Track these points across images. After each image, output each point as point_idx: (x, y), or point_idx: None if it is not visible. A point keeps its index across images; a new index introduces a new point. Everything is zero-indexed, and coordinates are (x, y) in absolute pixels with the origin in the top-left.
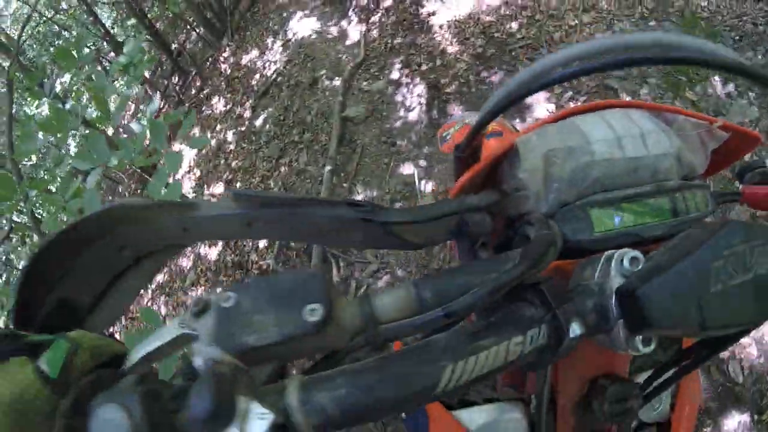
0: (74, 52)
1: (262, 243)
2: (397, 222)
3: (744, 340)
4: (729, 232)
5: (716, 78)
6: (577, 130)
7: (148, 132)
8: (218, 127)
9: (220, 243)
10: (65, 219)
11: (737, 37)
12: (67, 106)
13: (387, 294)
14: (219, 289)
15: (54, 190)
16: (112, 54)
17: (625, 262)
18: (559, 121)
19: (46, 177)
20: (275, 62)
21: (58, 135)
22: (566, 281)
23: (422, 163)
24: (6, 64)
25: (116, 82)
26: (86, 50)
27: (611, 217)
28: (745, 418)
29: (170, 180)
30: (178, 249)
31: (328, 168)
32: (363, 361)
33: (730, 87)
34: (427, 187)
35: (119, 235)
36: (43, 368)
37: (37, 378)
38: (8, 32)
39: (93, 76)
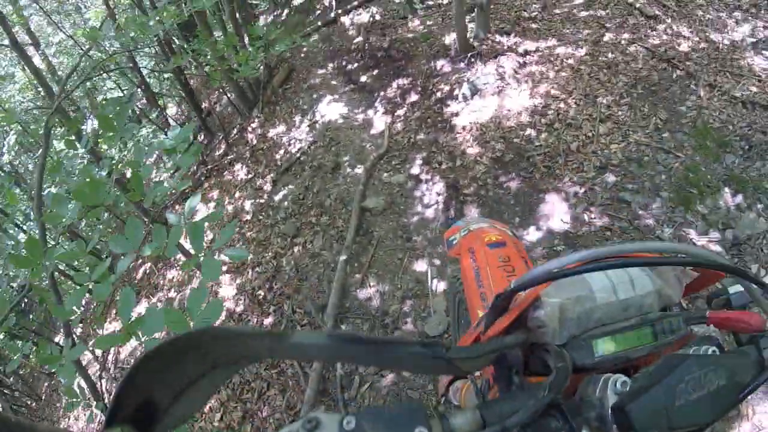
0: (115, 122)
1: (268, 321)
2: (457, 358)
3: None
4: (688, 363)
5: (726, 190)
6: (585, 283)
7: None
8: (237, 194)
9: (224, 314)
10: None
11: (747, 147)
12: (102, 173)
13: (460, 415)
14: (323, 408)
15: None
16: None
17: (618, 385)
18: (572, 273)
19: (73, 249)
20: (300, 140)
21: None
22: (574, 390)
23: (436, 261)
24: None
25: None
26: (127, 123)
27: (607, 344)
28: None
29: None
30: (256, 362)
31: (343, 257)
32: None
33: (739, 199)
34: (440, 286)
35: (209, 349)
36: None
37: None
38: (51, 61)
39: (132, 150)
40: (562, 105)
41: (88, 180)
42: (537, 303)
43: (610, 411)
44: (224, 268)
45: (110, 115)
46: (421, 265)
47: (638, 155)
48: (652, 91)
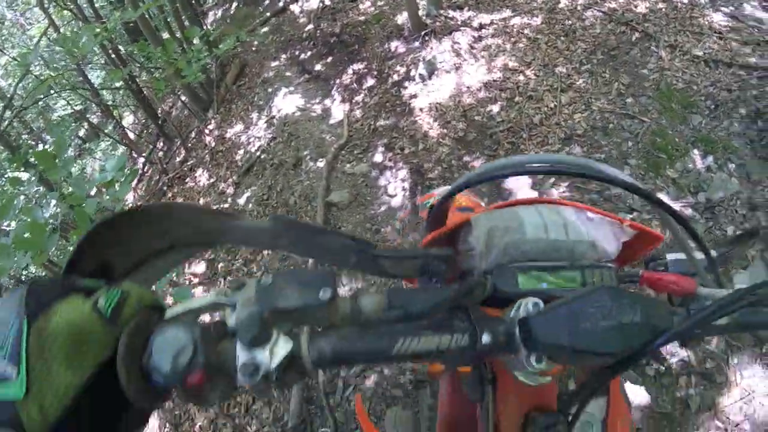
0: (56, 160)
1: None
2: (382, 256)
3: (737, 418)
4: (602, 292)
5: (695, 152)
6: (516, 216)
7: None
8: (201, 201)
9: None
10: None
11: (713, 106)
12: (46, 214)
13: (369, 296)
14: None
15: None
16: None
17: (530, 306)
18: (506, 207)
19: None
20: (259, 138)
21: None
22: None
23: None
24: None
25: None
26: (69, 153)
27: (533, 279)
28: None
29: None
30: (208, 247)
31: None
32: (351, 328)
33: (709, 160)
34: None
35: (165, 226)
36: (99, 306)
37: (93, 313)
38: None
39: (72, 187)
40: (521, 77)
41: (29, 221)
42: (467, 228)
43: (517, 326)
44: (196, 281)
45: (50, 148)
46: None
47: (603, 123)
48: (612, 56)
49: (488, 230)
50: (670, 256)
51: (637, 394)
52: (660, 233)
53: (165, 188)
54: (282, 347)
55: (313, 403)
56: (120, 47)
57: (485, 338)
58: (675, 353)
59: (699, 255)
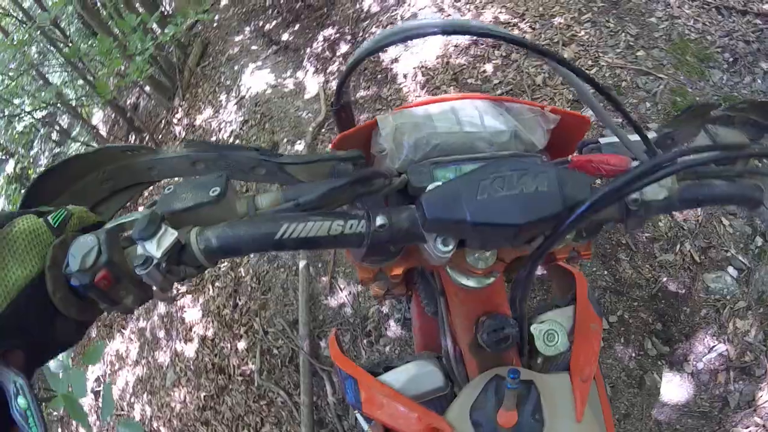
0: None
1: (241, 345)
2: (287, 163)
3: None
4: (499, 163)
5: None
6: (426, 112)
7: None
8: None
9: (196, 340)
10: None
11: (731, 59)
12: None
13: (266, 194)
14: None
15: None
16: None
17: (430, 187)
18: (415, 107)
19: None
20: (230, 122)
21: None
22: None
23: None
24: None
25: None
26: None
27: (450, 172)
28: None
29: None
30: (145, 186)
31: (302, 263)
32: (241, 220)
33: None
34: None
35: (104, 171)
36: (48, 219)
37: (45, 224)
38: None
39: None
40: (515, 31)
41: None
42: (376, 129)
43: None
44: (183, 289)
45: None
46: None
47: (615, 81)
48: (614, 3)
49: (395, 127)
50: (603, 140)
51: (675, 393)
52: (587, 116)
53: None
54: (167, 238)
55: (325, 426)
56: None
57: (379, 220)
58: (714, 347)
59: (634, 136)
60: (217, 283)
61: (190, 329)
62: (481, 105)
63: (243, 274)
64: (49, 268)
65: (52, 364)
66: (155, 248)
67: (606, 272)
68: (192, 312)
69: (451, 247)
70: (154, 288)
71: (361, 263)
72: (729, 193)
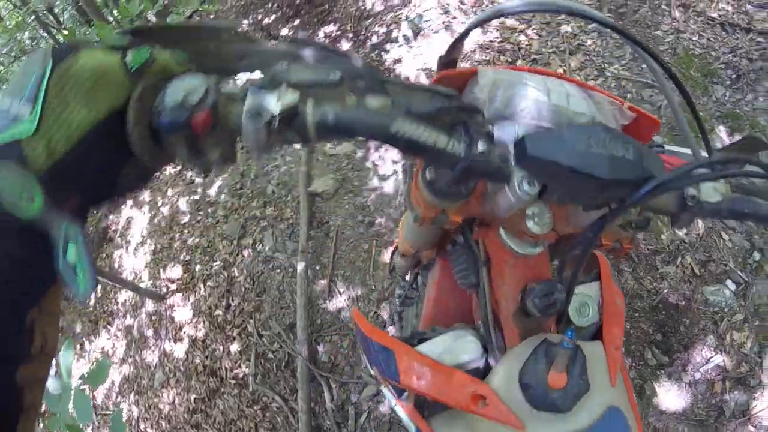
0: None
1: (234, 348)
2: (389, 81)
3: None
4: (597, 127)
5: (721, 128)
6: (522, 77)
7: None
8: (169, 192)
9: (186, 341)
10: None
11: (734, 76)
12: None
13: (375, 97)
14: None
15: None
16: None
17: (527, 128)
18: (514, 70)
19: None
20: None
21: None
22: None
23: None
24: None
25: None
26: None
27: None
28: None
29: None
30: (226, 76)
31: (301, 265)
32: (356, 104)
33: (737, 138)
34: None
35: (190, 50)
36: (127, 60)
37: (121, 63)
38: None
39: None
40: (522, 38)
41: None
42: (474, 79)
43: (512, 149)
44: (173, 287)
45: None
46: (386, 255)
47: (620, 92)
48: (621, 14)
49: (493, 81)
50: (668, 147)
51: (673, 401)
52: (657, 118)
53: None
54: (289, 96)
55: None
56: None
57: (480, 146)
58: (712, 358)
59: (702, 153)
60: (209, 282)
61: (180, 329)
62: (568, 86)
63: (236, 274)
64: (134, 101)
65: (50, 383)
66: (274, 102)
67: None
68: (182, 311)
69: (536, 189)
70: (251, 146)
71: (432, 198)
72: None
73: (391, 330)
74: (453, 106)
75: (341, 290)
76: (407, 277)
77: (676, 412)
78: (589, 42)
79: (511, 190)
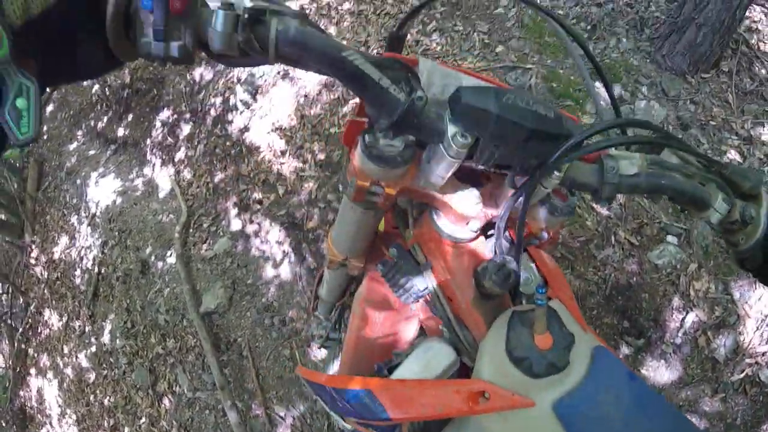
0: None
1: None
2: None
3: (764, 348)
4: (522, 90)
5: (599, 85)
6: (457, 74)
7: None
8: (65, 350)
9: None
10: None
11: (589, 27)
12: None
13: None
14: None
15: None
16: None
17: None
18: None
19: None
20: (90, 248)
21: None
22: None
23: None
24: None
25: None
26: None
27: None
28: None
29: None
30: None
31: (232, 416)
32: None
33: (619, 90)
34: None
35: None
36: None
37: None
38: None
39: None
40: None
41: None
42: (416, 66)
43: (447, 108)
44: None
45: None
46: (317, 351)
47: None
48: (454, 4)
49: (430, 68)
50: None
51: (665, 375)
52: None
53: (24, 346)
54: (260, 2)
55: None
56: None
57: (419, 92)
58: (684, 318)
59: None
60: None
61: None
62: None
63: (167, 427)
64: None
65: None
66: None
67: None
68: None
69: (468, 141)
70: (215, 42)
71: (369, 164)
72: (685, 189)
73: None
74: (400, 64)
75: (281, 414)
76: (330, 316)
77: (673, 383)
78: (434, 44)
79: (446, 145)
